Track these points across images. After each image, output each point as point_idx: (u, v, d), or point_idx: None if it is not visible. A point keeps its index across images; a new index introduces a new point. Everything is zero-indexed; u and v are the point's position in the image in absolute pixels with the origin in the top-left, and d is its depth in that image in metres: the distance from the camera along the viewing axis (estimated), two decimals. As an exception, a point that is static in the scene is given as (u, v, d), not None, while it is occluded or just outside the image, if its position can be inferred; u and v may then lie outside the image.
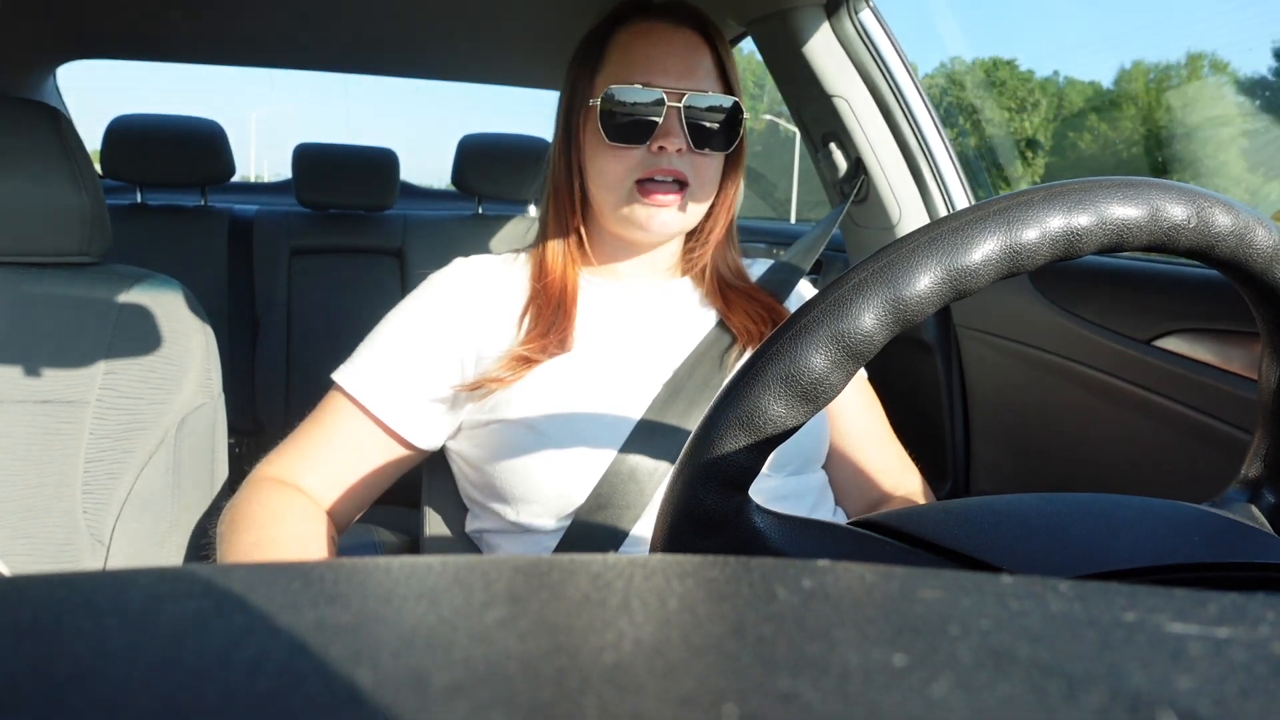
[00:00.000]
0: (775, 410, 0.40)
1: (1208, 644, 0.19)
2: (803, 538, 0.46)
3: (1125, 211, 0.42)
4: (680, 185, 0.92)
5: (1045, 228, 0.41)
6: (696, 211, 0.96)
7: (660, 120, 0.91)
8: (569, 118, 0.98)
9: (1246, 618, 0.20)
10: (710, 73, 0.95)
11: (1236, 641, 0.19)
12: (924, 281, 0.40)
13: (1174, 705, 0.16)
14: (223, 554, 0.84)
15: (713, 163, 0.95)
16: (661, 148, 0.90)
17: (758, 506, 0.45)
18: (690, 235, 1.04)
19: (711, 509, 0.42)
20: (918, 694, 0.16)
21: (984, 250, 0.40)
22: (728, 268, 1.03)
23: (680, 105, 0.91)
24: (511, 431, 0.89)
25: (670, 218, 0.93)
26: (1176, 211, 0.42)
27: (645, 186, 0.91)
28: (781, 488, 0.90)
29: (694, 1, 1.00)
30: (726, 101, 0.93)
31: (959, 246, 0.40)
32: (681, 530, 0.43)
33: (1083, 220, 0.41)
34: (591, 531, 0.84)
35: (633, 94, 0.91)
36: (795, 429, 0.41)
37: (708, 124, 0.92)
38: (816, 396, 0.41)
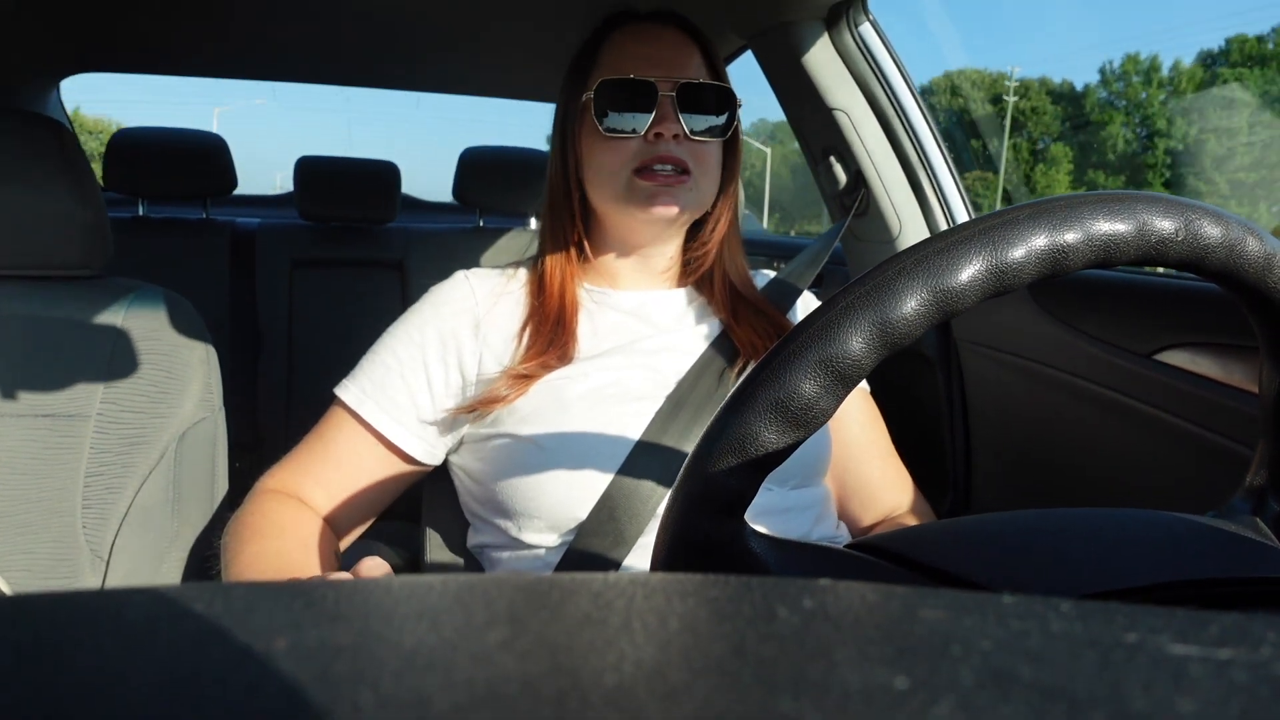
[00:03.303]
0: (767, 436, 0.40)
1: (1209, 665, 0.19)
2: (799, 561, 0.45)
3: (1112, 226, 0.42)
4: (681, 171, 0.92)
5: (1031, 246, 0.41)
6: (700, 200, 0.96)
7: (655, 108, 0.91)
8: (565, 123, 0.98)
9: (1248, 639, 0.20)
10: (701, 67, 0.96)
11: (1238, 663, 0.19)
12: (910, 304, 0.40)
13: None
14: (226, 565, 0.84)
15: (711, 150, 0.95)
16: (659, 134, 0.91)
17: (754, 531, 0.45)
18: (691, 236, 1.03)
19: (708, 534, 0.42)
20: (919, 716, 0.16)
21: (970, 270, 0.40)
22: (737, 273, 1.03)
23: (674, 94, 0.91)
24: (513, 446, 0.89)
25: (674, 200, 0.92)
26: (1164, 225, 0.42)
27: (645, 174, 0.91)
28: (783, 501, 0.90)
29: (695, 13, 1.00)
30: (720, 89, 0.94)
31: (944, 268, 0.40)
32: (679, 555, 0.43)
33: (1069, 237, 0.41)
34: (593, 547, 0.84)
35: (626, 84, 0.91)
36: (788, 453, 0.41)
37: (703, 111, 0.93)
38: (808, 422, 0.40)
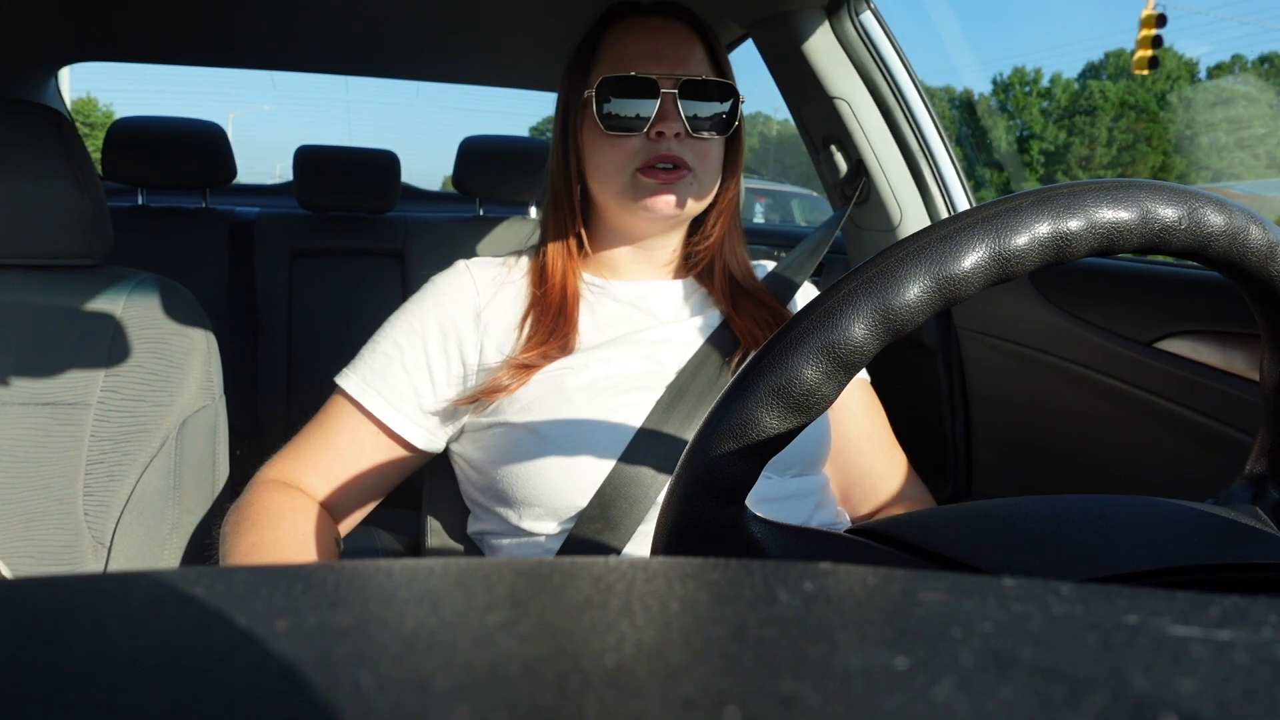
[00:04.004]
0: (768, 422, 0.40)
1: (1210, 647, 0.19)
2: (800, 546, 0.46)
3: (1115, 214, 0.41)
4: (681, 170, 0.92)
5: (1034, 233, 0.41)
6: (701, 195, 0.95)
7: (656, 106, 0.90)
8: (566, 118, 0.98)
9: (1249, 620, 0.20)
10: (703, 61, 0.95)
11: (1239, 644, 0.19)
12: (913, 291, 0.40)
13: (1176, 709, 0.16)
14: (224, 554, 0.84)
15: (713, 147, 0.95)
16: (660, 133, 0.90)
17: (754, 516, 0.45)
18: (693, 230, 1.03)
19: (708, 520, 0.42)
20: (920, 697, 0.16)
21: (973, 258, 0.40)
22: (738, 265, 1.03)
23: (675, 90, 0.91)
24: (514, 435, 0.89)
25: (676, 197, 0.92)
26: (1167, 213, 0.42)
27: (647, 171, 0.91)
28: (783, 489, 0.90)
29: (696, 2, 1.00)
30: (722, 85, 0.93)
31: (948, 254, 0.40)
32: (679, 540, 0.43)
33: (1072, 224, 0.41)
34: (593, 534, 0.84)
35: (627, 81, 0.91)
36: (789, 439, 0.41)
37: (704, 108, 0.92)
38: (809, 408, 0.40)
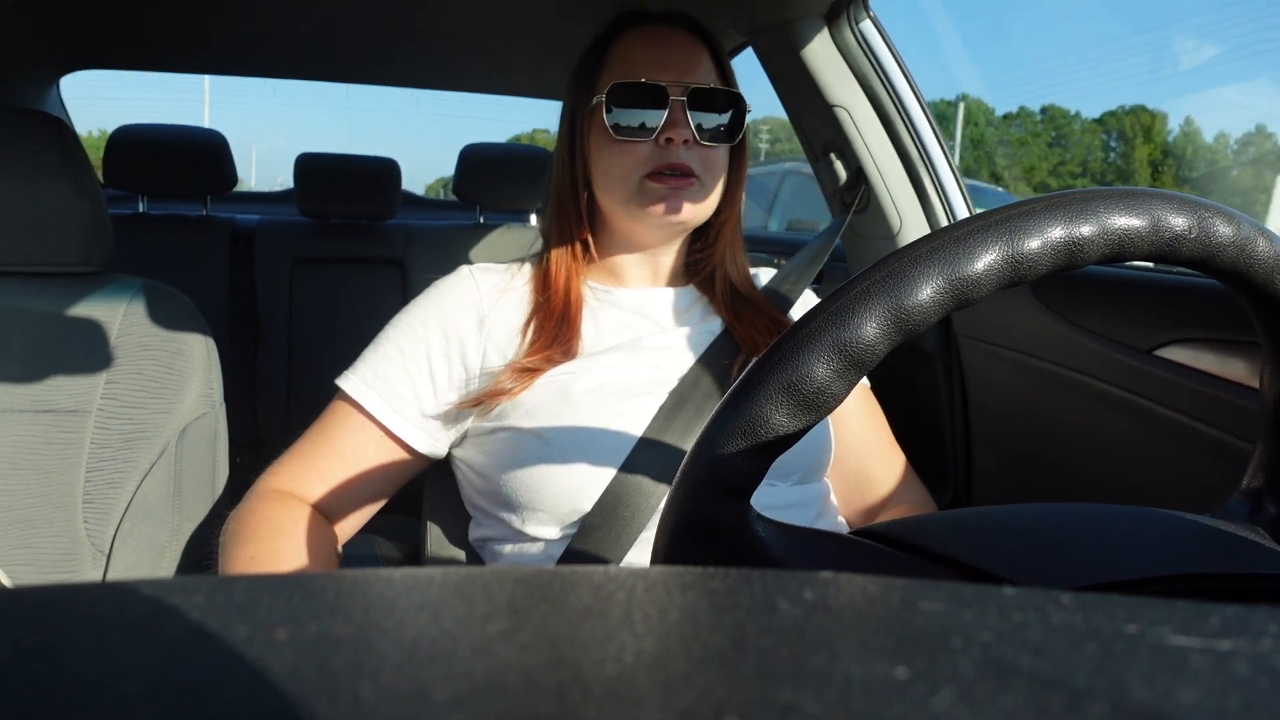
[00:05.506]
0: (777, 419, 0.40)
1: (1210, 657, 0.19)
2: (804, 547, 0.45)
3: (1127, 221, 0.42)
4: (689, 177, 0.92)
5: (1047, 237, 0.41)
6: (707, 204, 0.96)
7: (665, 113, 0.91)
8: (572, 124, 0.98)
9: (1249, 630, 0.20)
10: (710, 70, 0.96)
11: (1239, 654, 0.19)
12: (926, 291, 0.40)
13: (1176, 719, 0.16)
14: (223, 566, 0.84)
15: (719, 156, 0.95)
16: (669, 140, 0.91)
17: (759, 515, 0.44)
18: (696, 237, 1.04)
19: (713, 517, 0.42)
20: (920, 707, 0.16)
21: (986, 260, 0.40)
22: (738, 274, 1.03)
23: (684, 98, 0.91)
24: (518, 440, 0.89)
25: (682, 205, 0.93)
26: (1178, 221, 0.42)
27: (655, 177, 0.92)
28: (785, 497, 0.90)
29: (696, 10, 1.00)
30: (729, 94, 0.94)
31: (961, 256, 0.40)
32: (683, 538, 0.43)
33: (1085, 230, 0.41)
34: (595, 542, 0.84)
35: (637, 88, 0.91)
36: (797, 437, 0.41)
37: (712, 117, 0.93)
38: (819, 406, 0.40)
